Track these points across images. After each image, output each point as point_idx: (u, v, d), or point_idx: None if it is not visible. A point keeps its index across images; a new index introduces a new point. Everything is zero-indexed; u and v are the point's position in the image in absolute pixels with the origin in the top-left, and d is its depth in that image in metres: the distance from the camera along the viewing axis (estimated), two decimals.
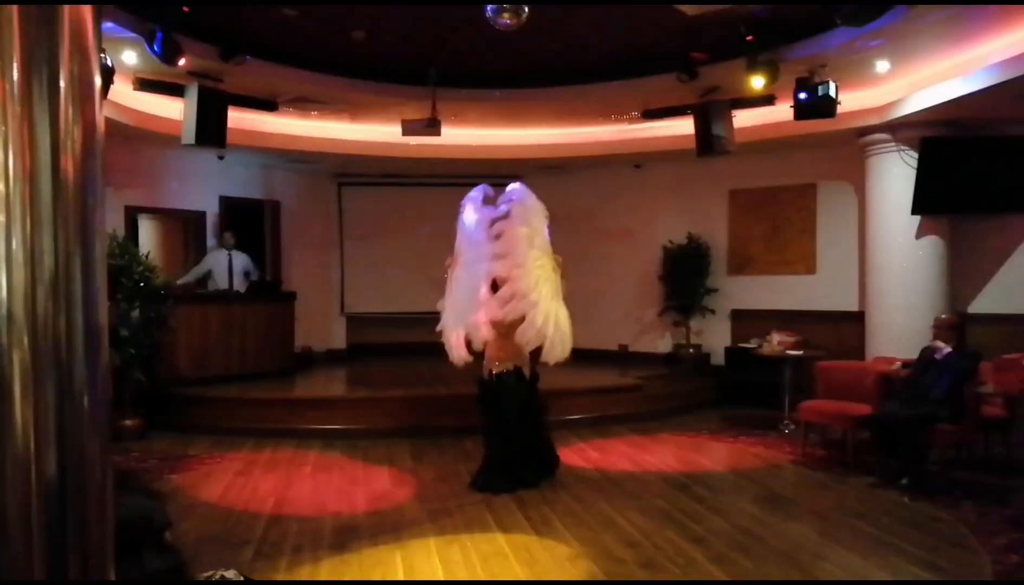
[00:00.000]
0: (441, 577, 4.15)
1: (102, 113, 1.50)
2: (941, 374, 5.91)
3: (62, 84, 1.44)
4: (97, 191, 1.46)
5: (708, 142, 8.19)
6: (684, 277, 10.33)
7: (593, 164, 11.02)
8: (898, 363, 6.48)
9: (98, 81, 1.45)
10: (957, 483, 5.77)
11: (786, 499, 5.58)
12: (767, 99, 7.79)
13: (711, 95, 8.06)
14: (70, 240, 1.43)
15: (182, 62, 6.42)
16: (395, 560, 4.38)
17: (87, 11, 1.47)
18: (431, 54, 7.46)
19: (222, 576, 2.02)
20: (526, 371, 5.98)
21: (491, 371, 5.96)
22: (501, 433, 5.85)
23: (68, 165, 1.46)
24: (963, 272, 8.57)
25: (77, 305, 1.45)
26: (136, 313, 7.61)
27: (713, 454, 7.11)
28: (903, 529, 4.82)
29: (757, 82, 6.98)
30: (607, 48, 7.51)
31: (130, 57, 6.74)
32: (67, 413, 1.46)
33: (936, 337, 6.12)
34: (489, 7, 5.64)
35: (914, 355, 6.36)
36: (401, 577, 4.15)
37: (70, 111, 1.47)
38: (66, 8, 1.43)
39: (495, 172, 11.55)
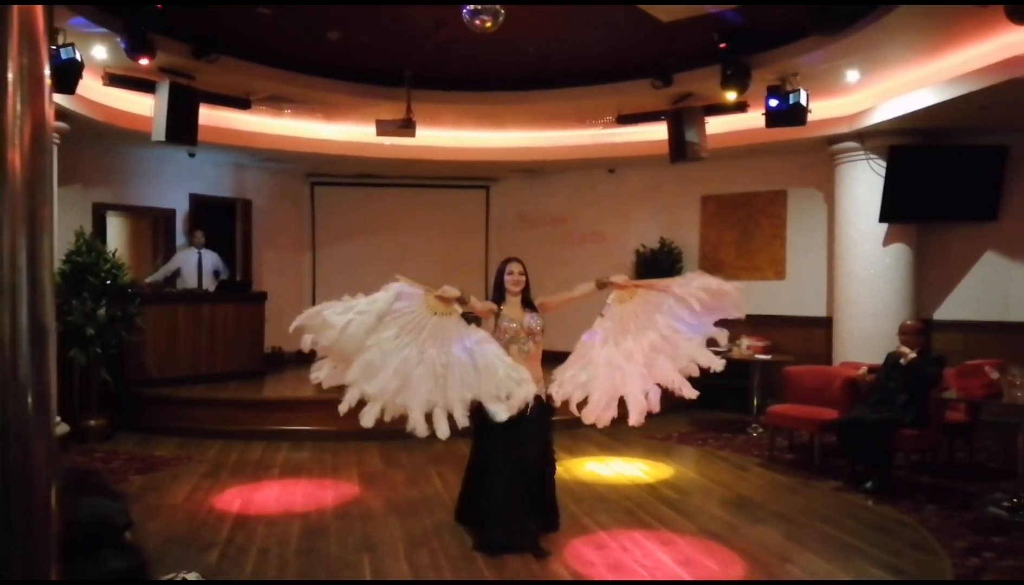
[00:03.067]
0: (408, 580, 4.13)
1: (52, 107, 1.47)
2: (906, 379, 6.00)
3: (10, 77, 1.41)
4: (46, 186, 1.42)
5: (681, 148, 8.26)
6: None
7: (567, 168, 11.05)
8: (864, 368, 6.56)
9: (48, 75, 1.41)
10: (920, 487, 5.87)
11: (753, 502, 5.63)
12: (739, 106, 7.87)
13: (684, 101, 8.13)
14: (16, 236, 1.39)
15: (144, 62, 6.31)
16: (363, 563, 4.35)
17: (37, 6, 1.43)
18: (406, 55, 7.43)
19: (183, 578, 1.99)
20: (545, 396, 4.66)
21: None
22: (509, 478, 4.51)
23: (15, 159, 1.42)
24: (929, 279, 8.72)
25: (22, 303, 1.41)
26: (102, 312, 7.50)
27: (682, 457, 7.15)
28: (867, 532, 4.88)
29: (731, 95, 7.10)
30: (582, 52, 7.54)
31: (100, 52, 6.64)
32: (11, 413, 1.42)
33: (902, 343, 6.21)
34: (466, 9, 5.64)
35: (880, 360, 6.45)
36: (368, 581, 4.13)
37: (18, 105, 1.43)
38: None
39: (470, 174, 11.60)
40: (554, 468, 4.90)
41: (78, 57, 5.98)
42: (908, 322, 6.45)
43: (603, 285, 4.75)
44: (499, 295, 4.81)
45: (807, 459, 6.71)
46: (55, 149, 7.17)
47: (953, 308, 8.72)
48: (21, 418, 1.39)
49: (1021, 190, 8.24)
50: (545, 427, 4.71)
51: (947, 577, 4.12)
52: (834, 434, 6.24)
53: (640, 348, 4.57)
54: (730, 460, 6.97)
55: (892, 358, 6.23)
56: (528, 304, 4.80)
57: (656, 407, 4.57)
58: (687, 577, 4.15)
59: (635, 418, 4.52)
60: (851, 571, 4.24)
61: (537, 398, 4.51)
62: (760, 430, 7.82)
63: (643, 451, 7.30)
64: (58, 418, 7.45)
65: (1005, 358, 6.14)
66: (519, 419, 4.39)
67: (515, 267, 4.82)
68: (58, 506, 1.36)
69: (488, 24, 5.73)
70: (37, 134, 1.43)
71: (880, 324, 8.13)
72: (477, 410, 4.47)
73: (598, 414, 4.58)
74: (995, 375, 5.40)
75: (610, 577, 4.16)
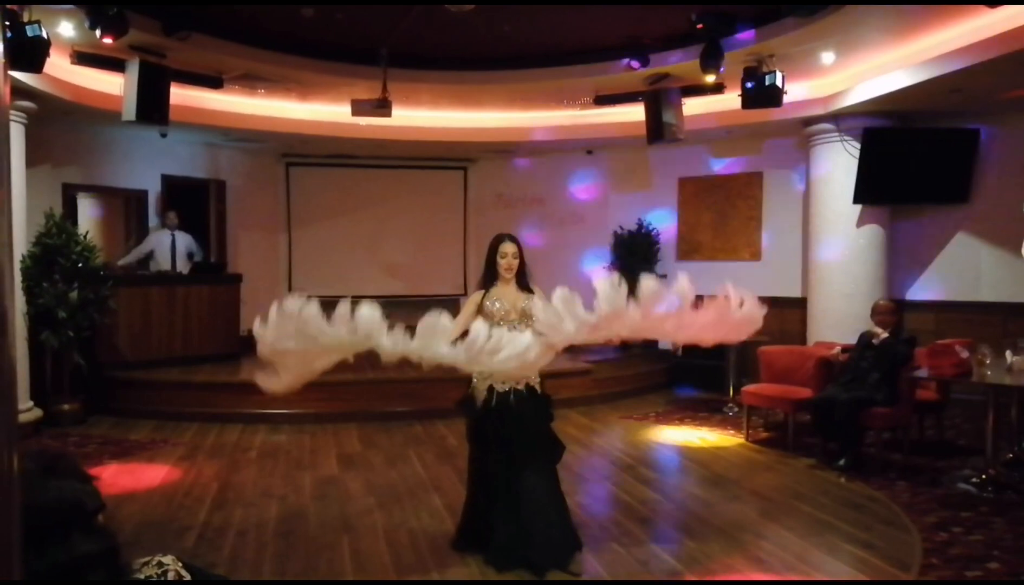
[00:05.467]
0: (388, 561, 4.14)
1: (7, 83, 1.40)
2: (878, 359, 6.09)
3: None
4: (3, 165, 1.35)
5: (658, 129, 8.26)
6: (634, 262, 10.41)
7: (545, 149, 11.02)
8: (838, 348, 6.65)
9: (1, 49, 1.34)
10: (892, 464, 5.97)
11: (729, 480, 5.70)
12: (716, 88, 7.88)
13: (662, 82, 8.13)
14: None
15: (108, 41, 6.17)
16: (342, 544, 4.36)
17: None
18: (382, 33, 7.35)
19: (158, 561, 1.97)
20: (539, 387, 4.14)
21: (492, 389, 4.03)
22: (499, 482, 3.98)
23: None
24: (901, 260, 8.84)
25: None
26: (74, 294, 7.39)
27: (659, 436, 7.21)
28: (840, 509, 4.96)
29: (710, 77, 7.11)
30: (560, 32, 7.50)
31: (67, 29, 6.48)
32: None
33: (875, 323, 6.30)
34: None
35: (854, 340, 6.53)
36: (348, 562, 4.13)
37: None
38: None
39: (447, 154, 11.53)
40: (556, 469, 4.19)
41: (44, 34, 5.83)
42: (881, 302, 6.53)
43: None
44: (491, 275, 4.16)
45: (782, 437, 6.80)
46: (21, 129, 7.03)
47: (925, 288, 8.85)
48: None
49: (992, 173, 8.35)
50: (543, 421, 4.11)
51: (917, 552, 4.20)
52: (808, 413, 6.33)
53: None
54: (706, 439, 7.04)
55: (865, 338, 6.31)
56: (524, 287, 4.18)
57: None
58: (667, 557, 4.20)
59: None
60: (823, 547, 4.31)
61: (530, 389, 4.05)
62: (736, 409, 7.91)
63: (621, 431, 7.36)
64: (30, 402, 7.39)
65: (975, 337, 6.25)
66: (510, 417, 3.95)
67: (508, 248, 4.16)
68: (21, 495, 1.30)
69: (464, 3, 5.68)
70: None
71: (853, 304, 8.23)
72: (468, 412, 4.11)
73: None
74: (965, 354, 5.49)
75: (588, 555, 4.19)
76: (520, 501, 3.92)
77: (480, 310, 4.06)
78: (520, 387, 4.02)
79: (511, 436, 3.96)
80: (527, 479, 3.94)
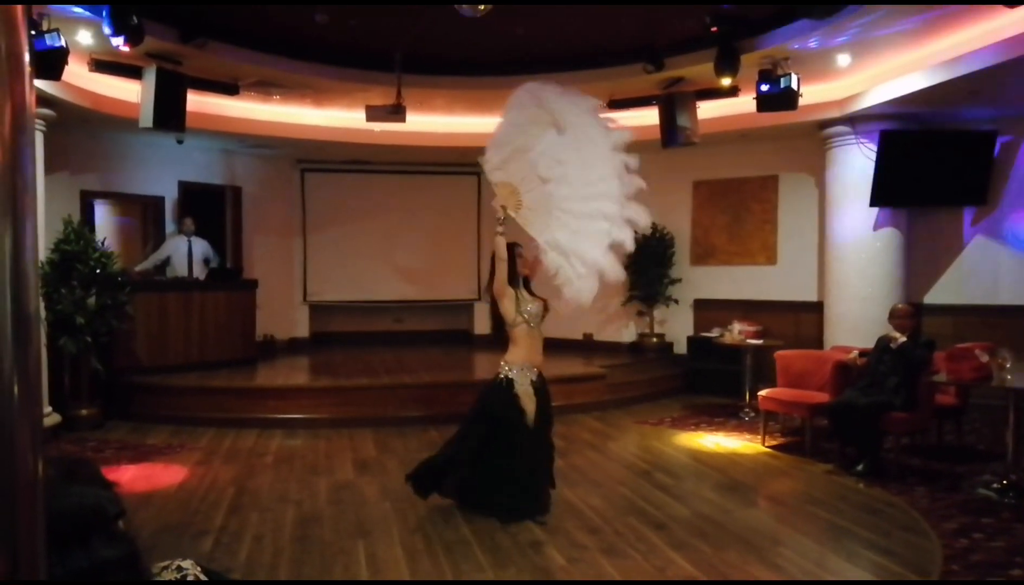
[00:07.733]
0: (403, 565, 4.14)
1: (33, 90, 1.42)
2: (896, 363, 6.03)
3: None
4: (27, 173, 1.37)
5: (673, 133, 8.25)
6: (648, 267, 10.38)
7: None
8: (855, 352, 6.60)
9: (28, 57, 1.36)
10: (910, 469, 5.91)
11: (745, 486, 5.66)
12: (731, 91, 7.85)
13: (676, 86, 8.11)
14: None
15: (125, 49, 6.22)
16: (357, 549, 4.36)
17: None
18: (396, 39, 7.38)
19: (177, 565, 1.98)
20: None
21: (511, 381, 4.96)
22: (524, 451, 4.85)
23: None
24: (919, 263, 8.77)
25: (5, 293, 1.37)
26: (92, 300, 7.45)
27: (675, 442, 7.18)
28: (858, 514, 4.92)
29: (726, 80, 7.08)
30: (573, 37, 7.50)
31: (85, 37, 6.55)
32: None
33: (893, 327, 6.24)
34: None
35: (871, 344, 6.48)
36: (363, 566, 4.14)
37: None
38: None
39: (461, 159, 11.53)
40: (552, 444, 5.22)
41: (63, 43, 5.90)
42: (899, 306, 6.47)
43: (500, 223, 5.01)
44: (513, 279, 5.03)
45: (799, 443, 6.75)
46: (40, 136, 7.11)
47: (943, 292, 8.77)
48: (5, 410, 1.35)
49: (1010, 175, 8.27)
50: (548, 403, 5.11)
51: (937, 558, 4.15)
52: (825, 418, 6.28)
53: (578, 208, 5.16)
54: (722, 444, 7.00)
55: (883, 342, 6.26)
56: (528, 288, 5.12)
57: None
58: (684, 563, 4.18)
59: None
60: (842, 552, 4.27)
61: (540, 377, 5.08)
62: (752, 414, 7.85)
63: (636, 436, 7.33)
64: (49, 408, 7.45)
65: (994, 341, 6.18)
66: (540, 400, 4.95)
67: (521, 251, 5.07)
68: (44, 498, 1.32)
69: (480, 8, 5.69)
70: (18, 118, 1.37)
71: (871, 308, 8.17)
72: (494, 398, 4.94)
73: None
74: (984, 358, 5.43)
75: (604, 560, 4.18)
76: (531, 467, 4.87)
77: (518, 308, 4.98)
78: (535, 377, 5.01)
79: (537, 419, 4.93)
80: (543, 449, 5.03)
